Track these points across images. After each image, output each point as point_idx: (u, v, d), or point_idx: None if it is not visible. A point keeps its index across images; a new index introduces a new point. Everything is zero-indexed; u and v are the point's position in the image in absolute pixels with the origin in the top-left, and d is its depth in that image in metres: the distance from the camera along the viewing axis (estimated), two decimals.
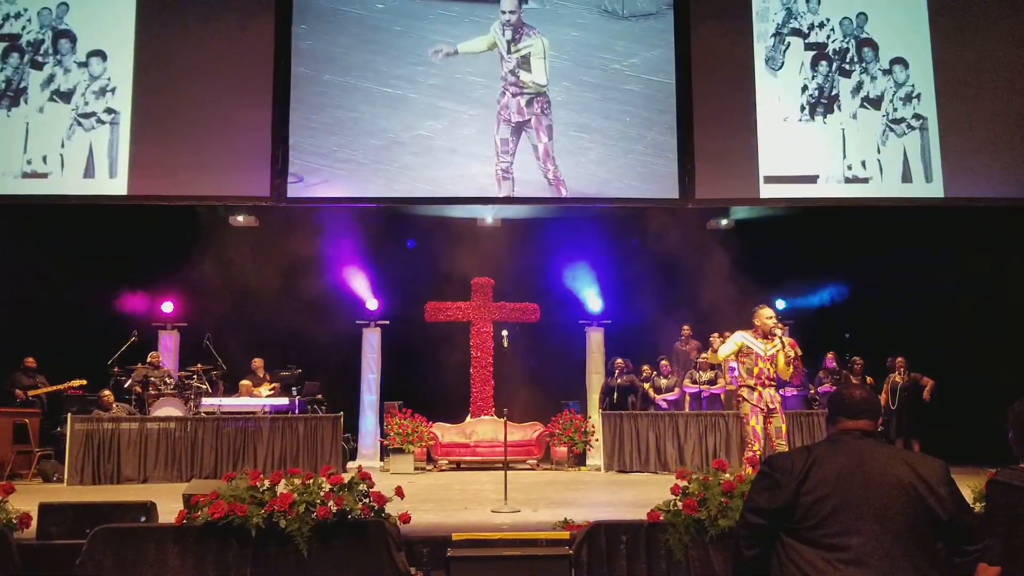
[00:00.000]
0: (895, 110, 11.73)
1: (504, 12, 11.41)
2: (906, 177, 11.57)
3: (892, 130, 11.66)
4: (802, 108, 11.69)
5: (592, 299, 13.43)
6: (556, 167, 11.18)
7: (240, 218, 12.20)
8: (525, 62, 11.40)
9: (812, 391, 11.95)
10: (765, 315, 7.63)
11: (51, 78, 11.22)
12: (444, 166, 11.19)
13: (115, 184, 11.01)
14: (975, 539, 2.60)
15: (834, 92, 11.78)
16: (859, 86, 11.81)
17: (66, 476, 10.10)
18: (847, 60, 11.87)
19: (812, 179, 11.58)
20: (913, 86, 11.78)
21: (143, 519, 5.48)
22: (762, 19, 11.92)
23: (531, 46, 11.33)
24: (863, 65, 11.86)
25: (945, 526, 2.52)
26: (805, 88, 11.76)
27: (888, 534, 2.46)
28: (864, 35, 11.93)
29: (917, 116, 11.70)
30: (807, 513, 2.52)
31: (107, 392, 11.05)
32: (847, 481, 2.52)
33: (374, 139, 11.18)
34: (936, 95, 11.73)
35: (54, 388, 11.41)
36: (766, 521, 2.60)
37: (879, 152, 11.63)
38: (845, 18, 11.95)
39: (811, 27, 11.95)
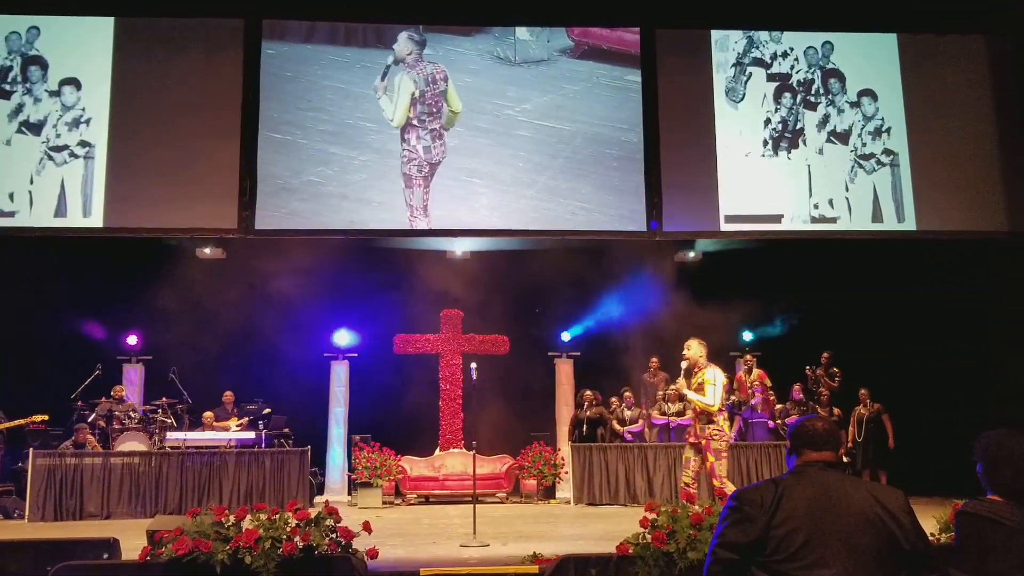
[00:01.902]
0: (864, 145, 11.37)
1: (405, 57, 11.40)
2: (876, 216, 11.22)
3: (861, 166, 11.28)
4: (765, 143, 11.40)
5: (561, 331, 13.47)
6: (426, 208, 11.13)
7: (207, 250, 12.09)
8: (442, 97, 11.33)
9: (779, 423, 12.01)
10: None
11: (19, 108, 10.77)
12: (335, 212, 11.07)
13: (88, 223, 10.64)
14: (934, 568, 2.63)
15: (799, 126, 11.44)
16: (825, 119, 11.46)
17: (27, 512, 9.90)
18: (812, 92, 11.52)
19: (776, 219, 11.20)
20: (883, 119, 11.40)
21: (106, 556, 5.40)
22: (721, 48, 11.57)
23: (400, 82, 11.33)
24: (829, 97, 11.50)
25: (907, 555, 2.56)
26: (768, 121, 11.47)
27: (857, 565, 2.49)
28: (830, 65, 11.58)
29: (887, 151, 11.33)
30: (778, 546, 2.53)
31: (84, 428, 10.82)
32: (816, 513, 2.55)
33: (264, 185, 11.00)
34: (907, 129, 11.33)
35: (15, 423, 11.18)
36: (737, 556, 2.61)
37: (847, 190, 11.26)
38: (810, 47, 11.61)
39: (774, 57, 11.58)
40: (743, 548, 2.59)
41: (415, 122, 11.24)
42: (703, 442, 7.45)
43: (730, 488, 7.60)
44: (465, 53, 11.54)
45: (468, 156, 11.30)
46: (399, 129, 11.24)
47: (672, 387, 7.61)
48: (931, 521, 5.58)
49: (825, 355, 12.46)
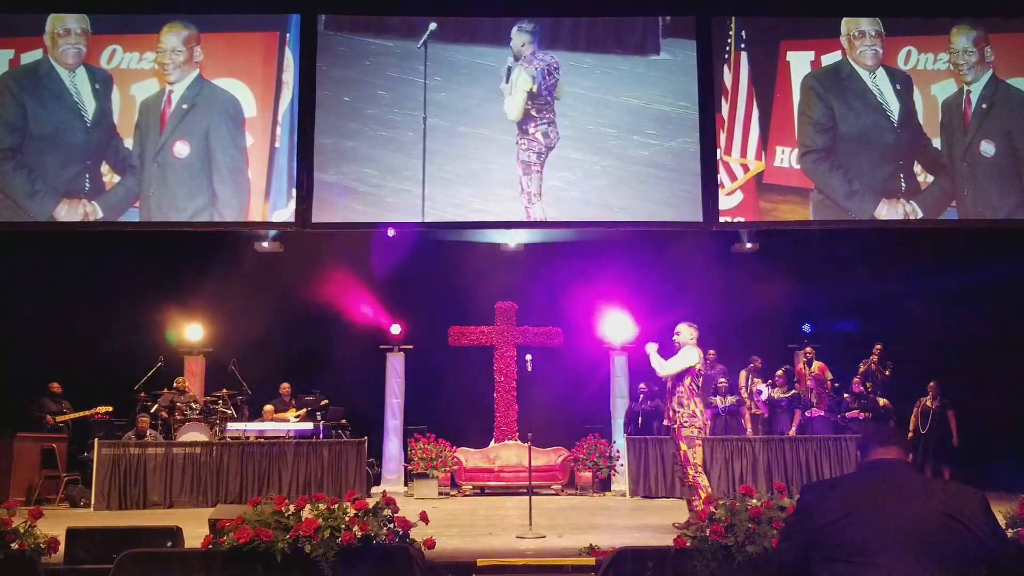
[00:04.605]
0: (942, 128, 10.32)
1: (520, 50, 11.18)
2: (957, 204, 10.17)
3: (938, 152, 10.25)
4: (826, 129, 10.60)
5: (616, 323, 13.36)
6: (532, 199, 10.89)
7: (265, 244, 12.25)
8: (555, 86, 11.15)
9: (840, 417, 11.78)
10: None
11: (85, 105, 10.57)
12: (389, 205, 10.67)
13: (160, 218, 10.59)
14: (1013, 568, 2.55)
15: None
16: (896, 102, 10.43)
17: (93, 501, 10.16)
18: (879, 72, 10.51)
19: (843, 211, 10.28)
20: (963, 101, 10.42)
21: (169, 544, 5.50)
22: None
23: (518, 77, 11.17)
24: (899, 77, 10.47)
25: (984, 556, 2.47)
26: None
27: (927, 565, 2.41)
28: (890, 38, 10.59)
29: (968, 134, 10.26)
30: (844, 544, 2.47)
31: (144, 418, 11.08)
32: (886, 511, 2.48)
33: (320, 178, 10.70)
34: (990, 112, 10.33)
35: (82, 414, 11.50)
36: (801, 551, 2.58)
37: (920, 178, 10.24)
38: (866, 21, 10.61)
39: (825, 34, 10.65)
40: (806, 544, 2.55)
41: (533, 112, 11.09)
42: (676, 426, 7.56)
43: (704, 480, 7.48)
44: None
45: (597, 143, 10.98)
46: (516, 123, 11.00)
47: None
48: (998, 517, 5.43)
49: (878, 347, 12.12)
